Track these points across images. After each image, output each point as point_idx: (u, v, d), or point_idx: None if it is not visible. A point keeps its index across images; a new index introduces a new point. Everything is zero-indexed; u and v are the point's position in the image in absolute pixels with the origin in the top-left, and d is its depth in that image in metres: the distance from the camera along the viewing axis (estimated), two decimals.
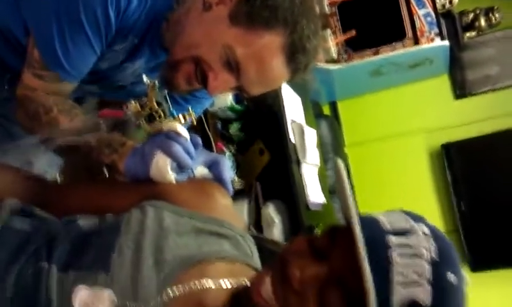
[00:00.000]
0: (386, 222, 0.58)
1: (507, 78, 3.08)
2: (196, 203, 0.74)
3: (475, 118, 3.03)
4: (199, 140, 0.79)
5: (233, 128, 1.57)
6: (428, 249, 0.56)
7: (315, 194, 1.63)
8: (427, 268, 0.55)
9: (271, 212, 1.48)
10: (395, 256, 0.54)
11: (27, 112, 0.81)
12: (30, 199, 0.75)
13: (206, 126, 1.43)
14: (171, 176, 0.74)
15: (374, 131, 3.20)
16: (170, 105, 0.74)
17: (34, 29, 0.80)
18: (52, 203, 0.77)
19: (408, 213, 0.62)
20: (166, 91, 0.80)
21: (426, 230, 0.58)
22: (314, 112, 2.95)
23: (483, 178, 2.96)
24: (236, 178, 1.55)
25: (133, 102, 0.71)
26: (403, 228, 0.58)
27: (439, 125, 3.09)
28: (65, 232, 0.68)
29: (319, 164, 1.72)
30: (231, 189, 0.82)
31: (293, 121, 1.58)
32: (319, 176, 1.77)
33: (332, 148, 2.89)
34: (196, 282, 0.65)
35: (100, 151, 0.78)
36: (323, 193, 1.72)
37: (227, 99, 1.50)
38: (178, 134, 0.74)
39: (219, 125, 1.55)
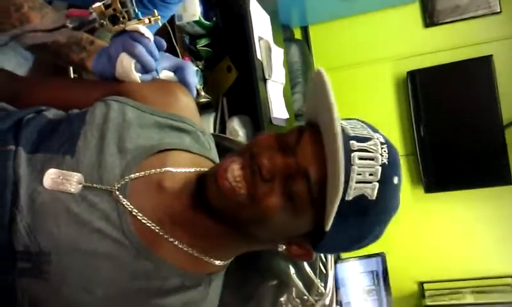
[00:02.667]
0: (349, 128, 0.66)
1: (475, 9, 3.13)
2: (158, 101, 0.79)
3: (442, 46, 3.11)
4: (163, 42, 0.83)
5: (201, 44, 1.60)
6: (382, 155, 0.65)
7: (279, 110, 1.70)
8: (378, 170, 0.64)
9: (236, 126, 1.54)
10: (356, 158, 0.63)
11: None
12: None
13: (174, 41, 1.45)
14: (136, 75, 0.79)
15: (343, 57, 3.25)
16: (135, 7, 0.77)
17: None
18: (20, 96, 0.81)
19: (366, 123, 0.70)
20: None
21: (382, 139, 0.67)
22: (285, 36, 2.96)
23: (443, 106, 3.09)
24: (203, 93, 1.59)
25: (98, 2, 0.74)
26: (364, 135, 0.66)
27: (407, 52, 3.17)
28: (32, 119, 0.72)
29: (284, 82, 1.78)
30: (194, 92, 0.88)
31: (260, 38, 1.61)
32: (284, 95, 1.83)
33: (301, 71, 2.94)
34: (158, 169, 0.72)
35: (69, 50, 0.81)
36: (287, 111, 1.79)
37: (196, 13, 1.51)
38: (141, 35, 0.77)
39: (186, 40, 1.57)
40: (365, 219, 0.66)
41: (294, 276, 0.83)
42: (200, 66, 1.63)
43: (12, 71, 0.92)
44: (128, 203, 0.68)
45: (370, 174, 0.64)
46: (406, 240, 3.03)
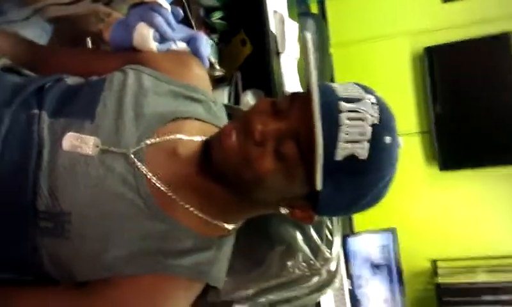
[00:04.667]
0: (340, 90, 0.68)
1: None
2: (174, 71, 0.82)
3: (461, 22, 3.05)
4: (180, 12, 0.86)
5: (216, 17, 1.61)
6: (372, 115, 0.66)
7: (292, 84, 1.72)
8: (368, 130, 0.65)
9: (250, 99, 1.56)
10: (344, 118, 0.65)
11: None
12: (20, 60, 0.82)
13: (188, 13, 1.46)
14: (153, 45, 0.81)
15: (360, 32, 3.22)
16: None
17: None
18: (40, 65, 0.84)
19: (360, 85, 0.71)
20: None
21: (373, 100, 0.68)
22: (301, 10, 2.94)
23: (461, 83, 3.06)
24: (218, 66, 1.61)
25: None
26: (354, 96, 0.67)
27: (425, 28, 3.12)
28: (54, 85, 0.76)
29: (298, 57, 1.78)
30: (207, 63, 0.90)
31: (275, 12, 1.62)
32: (298, 70, 1.84)
33: (317, 46, 2.93)
34: (172, 136, 0.76)
35: (87, 21, 0.84)
36: (301, 85, 1.80)
37: None
38: (159, 5, 0.80)
39: (201, 13, 1.58)
40: (358, 179, 0.68)
41: (301, 242, 0.87)
42: (215, 40, 1.65)
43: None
44: (144, 167, 0.71)
45: (360, 134, 0.65)
46: (420, 217, 3.04)
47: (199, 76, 0.85)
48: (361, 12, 3.22)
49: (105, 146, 0.70)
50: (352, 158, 0.65)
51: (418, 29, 3.14)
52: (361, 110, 0.66)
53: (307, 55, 0.67)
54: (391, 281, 2.13)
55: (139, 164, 0.71)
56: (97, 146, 0.70)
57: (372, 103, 0.67)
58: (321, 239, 0.87)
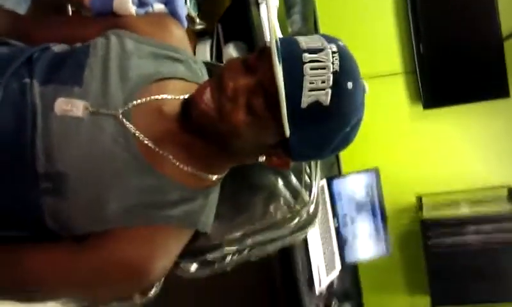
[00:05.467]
0: (303, 42, 0.73)
1: None
2: (153, 33, 0.86)
3: None
4: None
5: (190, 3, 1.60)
6: (333, 63, 0.71)
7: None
8: (330, 77, 0.70)
9: (231, 51, 1.60)
10: (307, 68, 0.70)
11: None
12: (2, 32, 0.85)
13: None
14: (132, 8, 0.85)
15: None
16: None
17: None
18: (24, 37, 0.87)
19: (324, 36, 0.76)
20: None
21: (334, 48, 0.73)
22: None
23: (443, 23, 3.07)
24: (198, 20, 1.63)
25: None
26: (316, 47, 0.72)
27: None
28: (41, 54, 0.79)
29: (277, 5, 1.80)
30: (185, 23, 0.94)
31: None
32: (278, 18, 1.85)
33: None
34: (156, 96, 0.81)
35: None
36: (281, 32, 1.82)
37: None
38: None
39: None
40: (324, 124, 0.73)
41: (282, 187, 0.94)
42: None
43: (13, 10, 0.98)
44: (132, 126, 0.77)
45: (322, 82, 0.70)
46: (404, 156, 3.13)
47: (178, 36, 0.89)
48: None
49: (95, 108, 0.75)
50: (316, 106, 0.70)
51: None
52: (322, 59, 0.71)
53: (268, 7, 0.70)
54: (375, 218, 2.24)
55: (127, 123, 0.76)
56: (87, 109, 0.75)
57: (333, 52, 0.72)
58: (300, 183, 0.95)
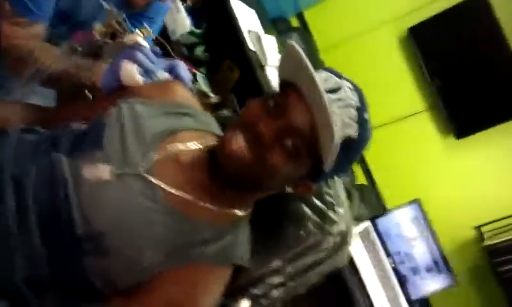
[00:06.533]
0: (322, 83, 0.77)
1: None
2: (160, 96, 0.93)
3: None
4: (158, 49, 0.98)
5: (199, 51, 1.74)
6: (354, 100, 0.79)
7: None
8: (354, 114, 0.78)
9: None
10: (335, 108, 0.76)
11: (14, 57, 1.00)
12: (30, 123, 0.94)
13: (171, 51, 1.60)
14: (139, 78, 0.93)
15: (344, 31, 3.34)
16: (129, 24, 0.92)
17: None
18: (49, 122, 0.96)
19: (333, 72, 0.83)
20: (123, 14, 0.98)
21: (350, 86, 0.81)
22: (283, 28, 3.09)
23: (452, 51, 3.12)
24: (212, 95, 1.74)
25: (98, 24, 0.90)
26: (334, 87, 0.79)
27: (404, 10, 3.22)
28: (64, 133, 0.87)
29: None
30: (189, 85, 1.02)
31: (249, 31, 1.75)
32: None
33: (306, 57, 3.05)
34: (171, 149, 0.86)
35: (79, 77, 0.98)
36: None
37: (186, 25, 1.66)
38: (138, 44, 0.92)
39: (185, 51, 1.72)
40: (351, 153, 0.82)
41: (308, 211, 0.95)
42: (203, 72, 1.78)
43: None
44: (156, 180, 0.81)
45: (350, 119, 0.78)
46: (451, 190, 3.05)
47: (183, 95, 0.97)
48: (340, 13, 3.35)
49: (119, 171, 0.81)
50: (346, 140, 0.78)
51: (398, 13, 3.24)
52: (343, 98, 0.78)
53: (301, 55, 0.76)
54: (430, 249, 2.15)
55: (151, 178, 0.81)
56: (112, 172, 0.80)
57: (350, 88, 0.81)
58: (325, 204, 0.96)
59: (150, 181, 0.81)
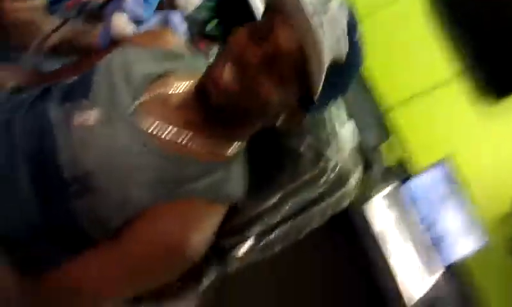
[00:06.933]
0: (308, 4, 0.75)
1: None
2: (151, 44, 0.96)
3: None
4: None
5: (212, 25, 1.77)
6: (342, 19, 0.76)
7: None
8: (342, 34, 0.75)
9: None
10: (321, 29, 0.73)
11: (19, 30, 1.07)
12: (26, 83, 0.99)
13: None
14: (129, 29, 0.96)
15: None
16: None
17: None
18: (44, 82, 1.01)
19: None
20: None
21: (337, 3, 0.76)
22: None
23: (480, 6, 2.97)
24: None
25: None
26: (319, 5, 0.74)
27: None
28: (55, 86, 0.90)
29: None
30: (182, 35, 1.05)
31: None
32: None
33: None
34: (159, 91, 0.88)
35: (78, 41, 1.03)
36: None
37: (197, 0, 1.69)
38: None
39: (195, 29, 1.75)
40: (340, 78, 0.79)
41: (303, 148, 0.95)
42: (219, 47, 1.80)
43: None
44: (142, 121, 0.83)
45: (337, 39, 0.74)
46: (488, 156, 2.89)
47: (174, 41, 0.99)
48: None
49: (106, 115, 0.83)
50: (335, 64, 0.75)
51: None
52: (332, 18, 0.74)
53: None
54: (462, 210, 2.06)
55: (137, 120, 0.83)
56: (100, 116, 0.82)
57: (338, 7, 0.76)
58: (320, 142, 0.96)
59: (136, 122, 0.83)
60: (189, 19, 1.75)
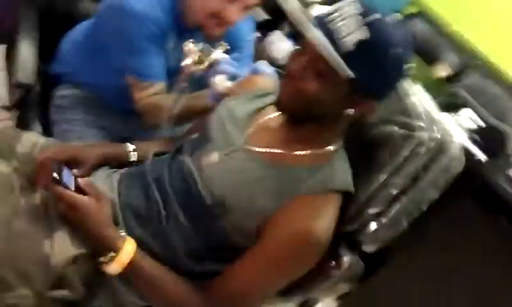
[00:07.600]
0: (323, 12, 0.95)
1: None
2: (246, 89, 1.21)
3: None
4: (238, 55, 1.31)
5: None
6: (354, 10, 0.90)
7: None
8: (358, 19, 0.88)
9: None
10: (338, 21, 0.89)
11: (152, 114, 1.37)
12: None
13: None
14: (228, 83, 1.21)
15: None
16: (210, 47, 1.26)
17: (126, 68, 1.37)
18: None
19: None
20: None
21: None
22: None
23: None
24: None
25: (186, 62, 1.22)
26: (329, 11, 0.92)
27: None
28: (186, 142, 1.19)
29: None
30: (268, 75, 1.26)
31: None
32: None
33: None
34: (260, 120, 1.11)
35: (194, 107, 1.30)
36: None
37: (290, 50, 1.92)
38: (220, 60, 1.23)
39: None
40: (376, 57, 0.89)
41: (395, 128, 1.07)
42: None
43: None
44: (254, 147, 1.06)
45: (353, 26, 0.87)
46: None
47: (262, 82, 1.24)
48: None
49: (225, 152, 1.07)
50: (362, 43, 0.88)
51: None
52: (342, 13, 0.89)
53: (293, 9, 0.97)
54: None
55: (248, 147, 1.06)
56: (220, 154, 1.07)
57: (350, 2, 0.91)
58: (408, 117, 1.06)
59: (249, 149, 1.06)
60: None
